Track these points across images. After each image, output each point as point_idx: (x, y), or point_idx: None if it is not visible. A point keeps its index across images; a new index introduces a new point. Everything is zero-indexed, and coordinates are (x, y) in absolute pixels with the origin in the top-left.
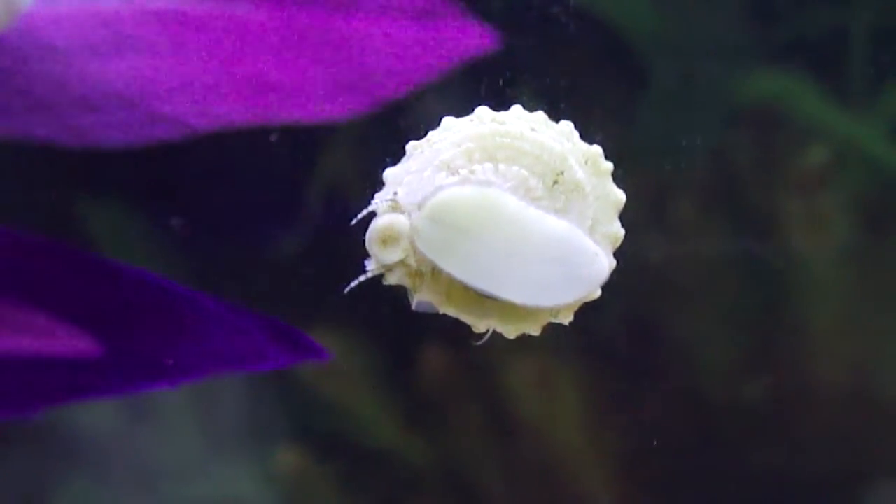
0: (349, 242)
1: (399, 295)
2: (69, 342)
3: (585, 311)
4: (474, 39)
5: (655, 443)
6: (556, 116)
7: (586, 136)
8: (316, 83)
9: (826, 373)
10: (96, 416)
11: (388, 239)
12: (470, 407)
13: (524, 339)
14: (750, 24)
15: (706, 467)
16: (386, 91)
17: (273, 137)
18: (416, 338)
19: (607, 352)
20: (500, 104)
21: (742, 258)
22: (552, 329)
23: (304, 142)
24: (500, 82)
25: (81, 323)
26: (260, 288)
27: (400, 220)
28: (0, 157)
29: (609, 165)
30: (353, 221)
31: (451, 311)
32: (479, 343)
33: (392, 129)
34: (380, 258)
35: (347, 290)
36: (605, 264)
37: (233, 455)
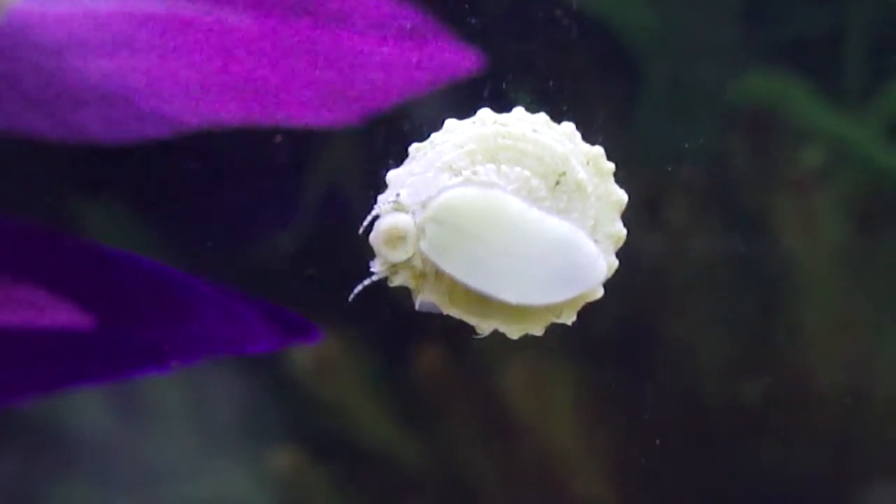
0: (346, 242)
1: (395, 294)
2: (61, 324)
3: (582, 312)
4: (458, 60)
5: (651, 443)
6: (557, 118)
7: (587, 138)
8: (303, 90)
9: (821, 373)
10: (91, 416)
11: (395, 238)
12: (466, 407)
13: (520, 340)
14: (744, 25)
15: (703, 468)
16: (371, 104)
17: (278, 139)
18: (412, 338)
19: (603, 352)
20: (502, 106)
21: (736, 259)
22: (548, 329)
23: (302, 140)
24: (503, 85)
25: (73, 305)
26: (255, 287)
27: (404, 219)
28: None
29: (611, 166)
30: (361, 229)
31: (454, 312)
32: (479, 337)
33: (394, 131)
34: (388, 258)
35: (353, 295)
36: (604, 265)
37: (229, 455)
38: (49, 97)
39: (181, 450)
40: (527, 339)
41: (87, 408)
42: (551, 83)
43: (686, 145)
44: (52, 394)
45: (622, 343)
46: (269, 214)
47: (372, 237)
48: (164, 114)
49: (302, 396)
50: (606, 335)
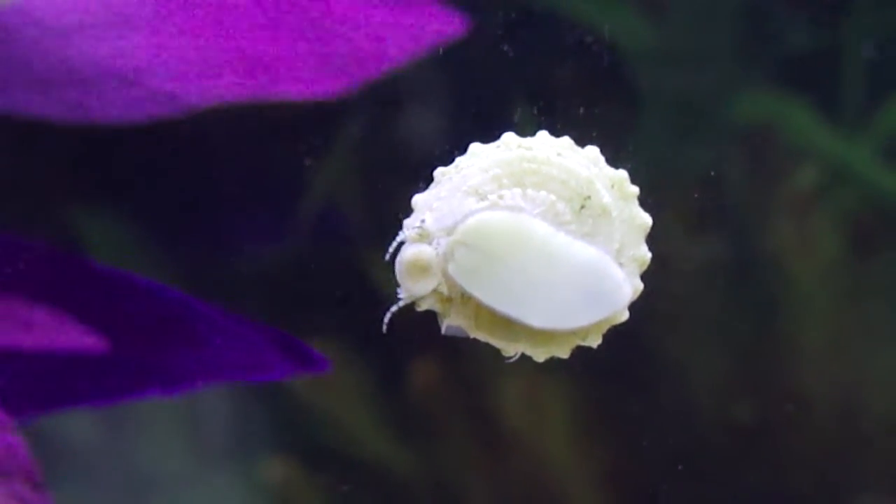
0: (342, 255)
1: (391, 307)
2: (71, 346)
3: None
4: (445, 25)
5: (648, 461)
6: (581, 142)
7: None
8: (297, 61)
9: (815, 391)
10: (84, 426)
11: (418, 270)
12: (460, 420)
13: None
14: (743, 45)
15: (695, 484)
16: (362, 72)
17: (308, 162)
18: (407, 351)
19: (599, 369)
20: (527, 130)
21: (732, 277)
22: None
23: (303, 152)
24: (535, 110)
25: (84, 328)
26: (254, 299)
27: (426, 251)
28: None
29: (635, 189)
30: (387, 255)
31: (480, 336)
32: (509, 361)
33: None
34: (412, 291)
35: (385, 325)
36: (629, 289)
37: (222, 466)
38: (54, 78)
39: (174, 460)
40: (522, 355)
41: (78, 418)
42: (582, 109)
43: (681, 164)
44: (56, 413)
45: (618, 360)
46: (264, 225)
47: (396, 268)
48: (166, 92)
49: (297, 408)
50: (601, 352)
